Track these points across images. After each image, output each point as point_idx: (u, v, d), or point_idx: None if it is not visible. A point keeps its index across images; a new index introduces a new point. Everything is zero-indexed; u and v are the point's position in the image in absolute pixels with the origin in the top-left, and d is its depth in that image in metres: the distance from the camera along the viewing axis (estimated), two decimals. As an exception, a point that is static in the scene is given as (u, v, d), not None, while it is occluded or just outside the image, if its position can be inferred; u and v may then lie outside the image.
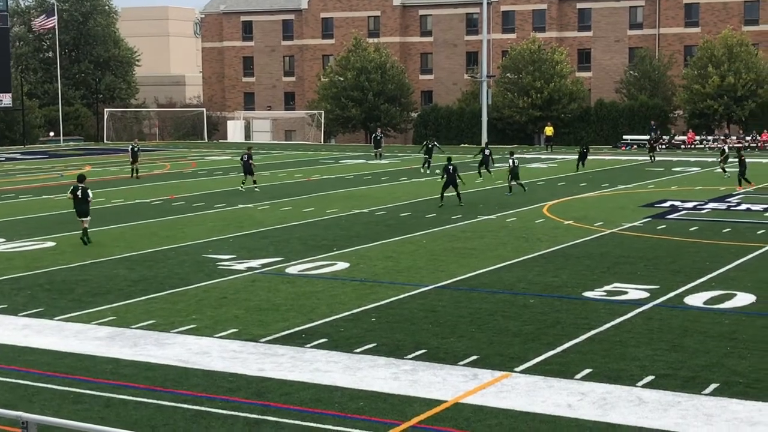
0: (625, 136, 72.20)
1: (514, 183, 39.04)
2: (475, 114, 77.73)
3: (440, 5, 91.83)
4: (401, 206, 35.08)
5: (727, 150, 46.93)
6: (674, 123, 76.50)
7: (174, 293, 20.22)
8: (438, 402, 13.00)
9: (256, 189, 40.58)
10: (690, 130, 71.66)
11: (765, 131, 67.65)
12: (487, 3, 76.03)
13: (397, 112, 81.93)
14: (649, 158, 55.29)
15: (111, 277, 22.01)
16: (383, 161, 58.08)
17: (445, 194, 34.81)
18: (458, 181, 35.12)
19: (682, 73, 76.07)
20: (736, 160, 41.27)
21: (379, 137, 62.27)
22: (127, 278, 21.89)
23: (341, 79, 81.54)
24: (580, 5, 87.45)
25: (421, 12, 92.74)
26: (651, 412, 12.53)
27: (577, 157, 50.66)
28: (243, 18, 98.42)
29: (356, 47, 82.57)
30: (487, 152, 47.67)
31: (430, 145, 51.98)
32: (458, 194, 35.04)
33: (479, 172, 45.80)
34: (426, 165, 50.51)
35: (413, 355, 15.29)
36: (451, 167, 34.89)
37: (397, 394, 13.34)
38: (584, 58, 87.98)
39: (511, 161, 39.38)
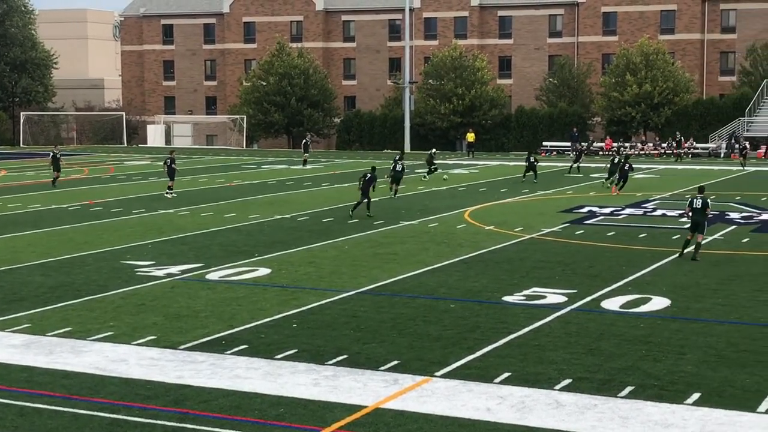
0: (545, 143, 73.16)
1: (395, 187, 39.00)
2: (398, 120, 78.12)
3: (363, 11, 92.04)
4: (324, 212, 35.05)
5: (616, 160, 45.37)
6: (593, 130, 77.76)
7: (91, 300, 19.90)
8: (358, 407, 13.01)
9: (168, 195, 39.84)
10: (608, 137, 72.88)
11: (683, 138, 69.01)
12: (410, 9, 76.54)
13: (320, 118, 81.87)
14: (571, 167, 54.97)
15: (26, 284, 21.58)
16: (307, 167, 57.95)
17: (366, 203, 33.85)
18: (371, 191, 34.14)
19: (600, 80, 77.37)
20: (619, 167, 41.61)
21: (308, 143, 62.00)
22: (43, 285, 21.48)
23: (264, 83, 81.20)
24: (501, 13, 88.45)
25: (344, 17, 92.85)
26: (568, 415, 12.70)
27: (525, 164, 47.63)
28: (164, 21, 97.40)
29: (279, 52, 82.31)
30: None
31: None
32: (368, 204, 33.53)
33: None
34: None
35: (334, 360, 15.28)
36: (369, 175, 34.05)
37: (317, 400, 13.31)
38: (505, 66, 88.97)
39: (397, 165, 39.21)
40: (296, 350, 15.87)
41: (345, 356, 15.51)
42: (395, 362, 15.15)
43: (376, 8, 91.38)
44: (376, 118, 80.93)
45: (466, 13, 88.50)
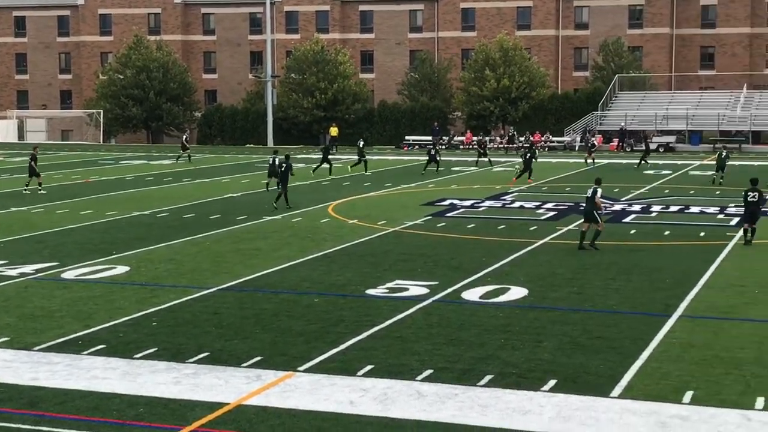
0: (407, 137, 73.87)
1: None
2: (260, 114, 77.62)
3: (223, 4, 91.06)
4: (184, 208, 34.53)
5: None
6: (453, 124, 78.96)
7: (-61, 302, 19.10)
8: (220, 405, 12.88)
9: (40, 192, 38.97)
10: (468, 131, 74.12)
11: (537, 132, 70.71)
12: (270, 3, 76.03)
13: (180, 112, 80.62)
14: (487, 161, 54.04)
15: None
16: (166, 161, 56.97)
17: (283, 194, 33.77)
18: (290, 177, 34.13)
19: (460, 75, 78.59)
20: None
21: (188, 138, 60.62)
22: None
23: (121, 77, 79.44)
24: (362, 7, 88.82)
25: (204, 10, 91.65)
26: (429, 405, 12.87)
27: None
28: (15, 13, 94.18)
29: (137, 45, 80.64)
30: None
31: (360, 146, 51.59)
32: (285, 195, 33.72)
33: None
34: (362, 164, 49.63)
35: (195, 358, 15.08)
36: (285, 165, 33.96)
37: (178, 399, 13.12)
38: (367, 60, 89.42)
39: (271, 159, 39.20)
40: (156, 349, 15.60)
41: (206, 354, 15.33)
42: (258, 358, 15.06)
43: (237, 1, 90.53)
44: (237, 113, 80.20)
45: (327, 7, 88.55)
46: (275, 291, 20.18)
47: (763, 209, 26.96)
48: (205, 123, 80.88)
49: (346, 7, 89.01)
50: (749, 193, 25.97)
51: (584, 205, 25.79)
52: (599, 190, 25.49)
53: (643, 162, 51.65)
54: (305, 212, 33.03)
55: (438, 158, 48.86)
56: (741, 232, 26.41)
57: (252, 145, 75.39)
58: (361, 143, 52.61)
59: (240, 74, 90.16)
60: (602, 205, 26.00)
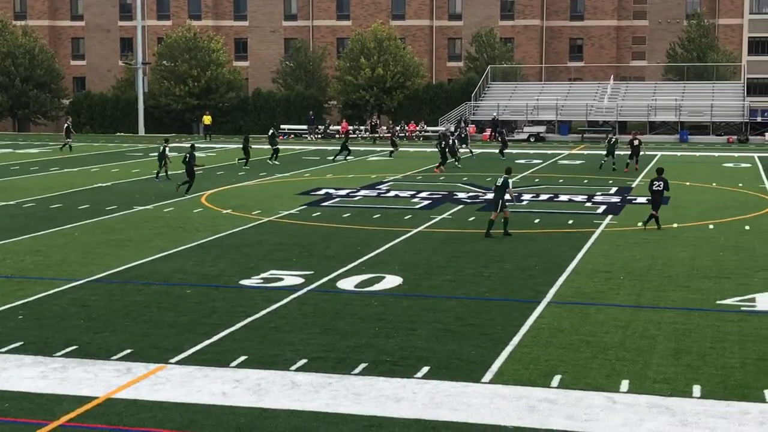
0: (282, 126, 73.41)
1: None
2: (131, 102, 76.05)
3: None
4: (52, 198, 33.60)
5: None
6: (329, 113, 78.94)
7: None
8: (89, 399, 12.61)
9: None
10: (344, 120, 74.18)
11: (412, 122, 71.34)
12: (142, -11, 74.51)
13: (47, 99, 78.30)
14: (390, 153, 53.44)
15: None
16: (33, 150, 55.30)
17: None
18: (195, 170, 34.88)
19: (335, 64, 78.59)
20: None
21: (71, 126, 58.54)
22: None
23: (-16, 63, 76.74)
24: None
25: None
26: (303, 395, 12.86)
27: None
28: None
29: (2, 30, 77.95)
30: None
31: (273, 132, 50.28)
32: (190, 184, 34.58)
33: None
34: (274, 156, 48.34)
35: (63, 352, 14.72)
36: (189, 155, 34.87)
37: (45, 393, 12.79)
38: (241, 48, 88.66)
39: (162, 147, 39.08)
40: (22, 342, 15.16)
41: (75, 347, 14.98)
42: (128, 351, 14.79)
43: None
44: (107, 100, 78.37)
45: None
46: (146, 282, 19.84)
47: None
48: (74, 111, 78.74)
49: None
50: (654, 183, 26.70)
51: (493, 194, 26.09)
52: (510, 180, 25.91)
53: (500, 154, 51.58)
54: (177, 202, 32.54)
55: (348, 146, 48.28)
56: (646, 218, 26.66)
57: (122, 134, 73.84)
58: (271, 131, 51.15)
59: (110, 61, 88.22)
60: (513, 194, 26.32)
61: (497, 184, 25.81)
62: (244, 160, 45.95)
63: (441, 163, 43.85)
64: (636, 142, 44.78)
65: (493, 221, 25.65)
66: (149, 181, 39.02)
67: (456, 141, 47.01)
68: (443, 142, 44.87)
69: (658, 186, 26.61)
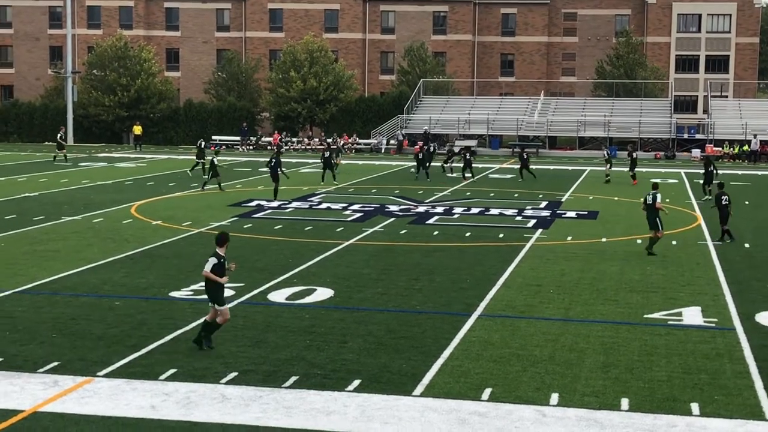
0: (213, 137, 72.77)
1: None
2: (60, 111, 74.82)
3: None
4: (-23, 207, 32.95)
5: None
6: (261, 125, 78.60)
7: None
8: (15, 412, 12.38)
9: None
10: (276, 132, 73.88)
11: (345, 134, 71.32)
12: (71, -4, 73.50)
13: (-28, 107, 76.75)
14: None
15: None
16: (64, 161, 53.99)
17: None
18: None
19: (267, 76, 78.29)
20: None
21: (63, 136, 57.24)
22: None
23: None
24: (167, 4, 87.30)
25: (0, 2, 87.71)
26: (233, 408, 12.78)
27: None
28: None
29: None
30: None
31: (202, 146, 48.43)
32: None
33: None
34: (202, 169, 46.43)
35: (-13, 365, 14.44)
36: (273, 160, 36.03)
37: (-32, 408, 12.52)
38: (173, 58, 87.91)
39: None
40: (-56, 356, 14.83)
41: (0, 359, 14.68)
42: (55, 363, 14.56)
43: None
44: (36, 109, 77.00)
45: (131, 3, 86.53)
46: (74, 294, 19.54)
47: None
48: (1, 119, 77.33)
49: (151, 4, 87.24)
50: (722, 197, 27.09)
51: (646, 212, 25.45)
52: (659, 195, 25.53)
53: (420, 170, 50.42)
54: (106, 213, 32.11)
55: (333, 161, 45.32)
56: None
57: (51, 143, 72.57)
58: (202, 144, 49.82)
59: (38, 69, 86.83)
60: (663, 208, 25.60)
61: (648, 201, 25.28)
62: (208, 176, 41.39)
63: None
64: (635, 155, 47.14)
65: (658, 239, 25.26)
66: (78, 191, 38.44)
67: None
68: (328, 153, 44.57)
69: (726, 200, 27.08)
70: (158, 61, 79.35)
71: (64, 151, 54.60)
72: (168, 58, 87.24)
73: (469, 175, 46.57)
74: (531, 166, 47.72)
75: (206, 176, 40.37)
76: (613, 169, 47.35)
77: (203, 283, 15.60)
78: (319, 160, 46.19)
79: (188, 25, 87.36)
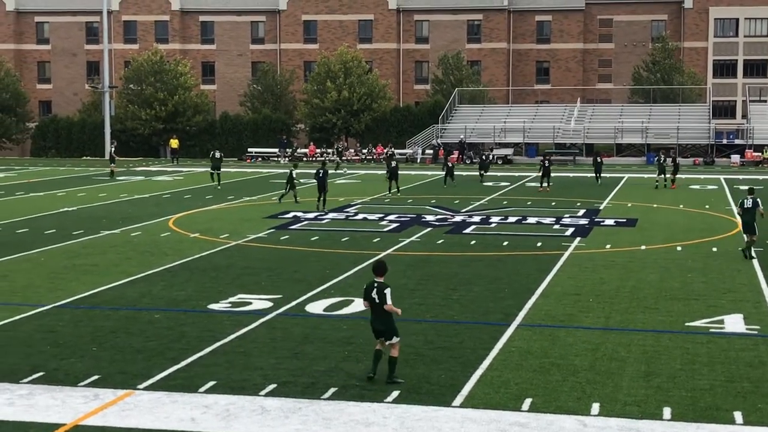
0: (250, 149, 73.31)
1: None
2: (97, 125, 75.66)
3: (58, 12, 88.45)
4: (18, 222, 33.28)
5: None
6: (296, 137, 78.89)
7: None
8: (56, 425, 12.45)
9: None
10: (311, 143, 74.13)
11: (380, 144, 71.42)
12: (108, 12, 74.26)
13: (12, 123, 77.65)
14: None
15: None
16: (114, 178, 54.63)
17: None
18: None
19: (302, 87, 78.60)
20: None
21: (114, 149, 58.16)
22: None
23: (-50, 86, 76.06)
24: (202, 18, 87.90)
25: (37, 19, 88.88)
26: (273, 420, 12.76)
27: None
28: None
29: (-34, 54, 77.46)
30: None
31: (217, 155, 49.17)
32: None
33: None
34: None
35: (30, 378, 14.53)
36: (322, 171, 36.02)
37: (12, 421, 12.61)
38: (208, 71, 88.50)
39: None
40: (-13, 370, 14.95)
41: (41, 373, 14.78)
42: (96, 377, 14.62)
43: (73, 10, 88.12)
44: (74, 124, 77.90)
45: (167, 17, 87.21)
46: (113, 308, 19.65)
47: None
48: (40, 134, 78.26)
49: (186, 18, 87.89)
50: (745, 201, 25.84)
51: (742, 216, 25.77)
52: (759, 200, 25.74)
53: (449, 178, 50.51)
54: (144, 226, 32.30)
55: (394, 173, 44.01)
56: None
57: (88, 158, 73.36)
58: (218, 154, 50.14)
59: (76, 84, 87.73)
60: (762, 212, 25.95)
61: (747, 206, 25.36)
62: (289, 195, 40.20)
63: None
64: (669, 160, 47.88)
65: (753, 241, 25.47)
66: (116, 205, 38.75)
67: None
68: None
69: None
70: (194, 75, 79.92)
71: (114, 165, 54.96)
72: (204, 71, 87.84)
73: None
74: (552, 174, 46.89)
75: (284, 190, 39.82)
76: (666, 176, 47.40)
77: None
78: (385, 171, 45.73)
79: (223, 38, 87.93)
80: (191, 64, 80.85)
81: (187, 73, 76.72)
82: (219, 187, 46.16)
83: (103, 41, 76.34)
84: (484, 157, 46.22)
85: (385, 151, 63.85)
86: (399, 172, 44.70)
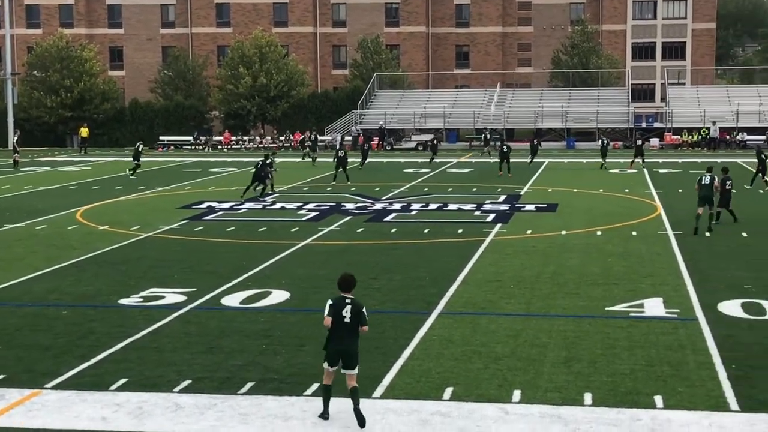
0: (162, 137, 71.86)
1: None
2: (0, 114, 73.46)
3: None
4: None
5: None
6: (211, 124, 77.78)
7: None
8: (-43, 430, 11.85)
9: None
10: (227, 131, 73.18)
11: (298, 131, 70.73)
12: (11, -4, 72.16)
13: None
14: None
15: None
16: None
17: None
18: None
19: (216, 73, 77.45)
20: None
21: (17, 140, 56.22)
22: None
23: None
24: (109, 1, 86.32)
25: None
26: (187, 417, 12.40)
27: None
28: None
29: None
30: None
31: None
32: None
33: None
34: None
35: (-72, 381, 13.85)
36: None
37: None
38: (116, 56, 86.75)
39: None
40: None
41: (-59, 375, 14.11)
42: (1, 377, 14.04)
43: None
44: (-26, 113, 75.46)
45: (71, 1, 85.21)
46: (19, 304, 18.92)
47: None
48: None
49: (92, 1, 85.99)
50: (726, 182, 28.46)
51: (700, 191, 27.43)
52: (716, 177, 27.72)
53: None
54: (51, 219, 31.34)
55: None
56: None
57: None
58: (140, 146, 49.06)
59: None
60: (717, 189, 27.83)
61: (705, 182, 27.33)
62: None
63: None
64: (639, 142, 50.70)
65: (700, 216, 27.09)
66: (20, 197, 37.62)
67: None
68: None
69: (730, 185, 28.53)
70: (101, 60, 78.05)
71: (17, 155, 53.42)
72: (111, 56, 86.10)
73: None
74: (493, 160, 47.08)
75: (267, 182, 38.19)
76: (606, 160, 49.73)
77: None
78: (332, 160, 44.87)
79: (131, 21, 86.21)
80: (98, 49, 78.99)
81: (93, 58, 74.67)
82: (133, 177, 45.15)
83: (4, 26, 74.02)
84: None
85: (333, 137, 63.38)
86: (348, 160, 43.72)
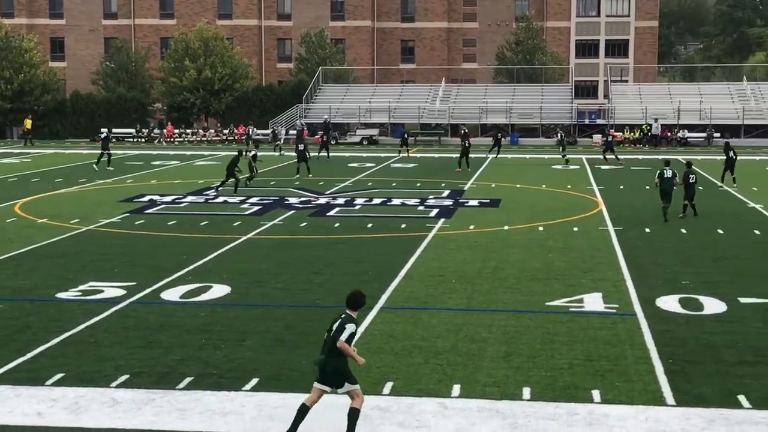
0: (102, 129, 70.84)
1: None
2: (-63, 106, 72.04)
3: None
4: None
5: None
6: (154, 116, 76.99)
7: None
8: None
9: None
10: (170, 123, 72.49)
11: (242, 124, 70.25)
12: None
13: None
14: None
15: None
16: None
17: None
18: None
19: (159, 65, 76.64)
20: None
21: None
22: None
23: None
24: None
25: None
26: (125, 412, 12.27)
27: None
28: None
29: None
30: None
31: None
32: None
33: None
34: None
35: None
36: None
37: None
38: (58, 47, 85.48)
39: None
40: None
41: None
42: (-68, 373, 13.75)
43: None
44: None
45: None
46: (-46, 298, 18.57)
47: None
48: None
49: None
50: (690, 176, 29.03)
51: (662, 184, 28.69)
52: (676, 171, 29.05)
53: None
54: (-10, 211, 30.82)
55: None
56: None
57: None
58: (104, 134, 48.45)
59: None
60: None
61: (666, 176, 28.56)
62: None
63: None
64: (609, 138, 51.79)
65: (668, 207, 28.51)
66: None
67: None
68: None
69: (693, 178, 29.23)
70: (42, 51, 76.80)
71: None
72: (53, 47, 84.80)
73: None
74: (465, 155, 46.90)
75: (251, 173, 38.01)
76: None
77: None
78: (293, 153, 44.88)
79: (73, 12, 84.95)
80: (39, 39, 77.69)
81: (34, 49, 73.44)
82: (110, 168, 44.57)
83: (-55, 15, 72.73)
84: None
85: (297, 131, 63.14)
86: (308, 155, 43.43)
